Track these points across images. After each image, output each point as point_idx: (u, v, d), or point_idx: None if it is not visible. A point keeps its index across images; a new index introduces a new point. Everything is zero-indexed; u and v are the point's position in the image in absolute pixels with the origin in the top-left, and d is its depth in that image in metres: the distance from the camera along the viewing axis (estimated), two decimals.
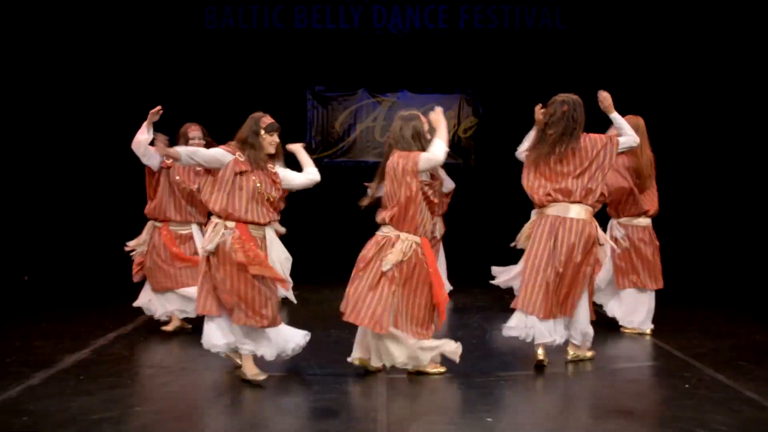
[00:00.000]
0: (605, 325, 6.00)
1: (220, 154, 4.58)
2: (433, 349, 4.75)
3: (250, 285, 4.47)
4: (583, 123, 4.87)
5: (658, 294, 6.09)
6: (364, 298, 4.55)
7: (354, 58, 10.49)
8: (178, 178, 5.89)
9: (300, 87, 10.74)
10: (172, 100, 9.67)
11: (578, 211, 4.85)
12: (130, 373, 4.80)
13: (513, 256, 6.13)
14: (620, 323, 6.15)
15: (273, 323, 4.56)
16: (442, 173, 7.38)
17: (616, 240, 5.91)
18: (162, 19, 9.90)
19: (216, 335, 4.59)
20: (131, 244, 6.09)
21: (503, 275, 5.86)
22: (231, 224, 4.53)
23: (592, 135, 4.92)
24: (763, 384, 4.58)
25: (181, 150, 4.62)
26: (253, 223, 4.58)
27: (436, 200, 4.76)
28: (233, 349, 4.68)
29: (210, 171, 4.63)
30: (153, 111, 5.56)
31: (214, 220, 4.61)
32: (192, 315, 5.82)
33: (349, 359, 4.82)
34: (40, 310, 6.80)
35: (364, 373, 4.80)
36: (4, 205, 8.63)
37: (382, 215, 4.72)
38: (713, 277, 8.61)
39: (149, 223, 6.09)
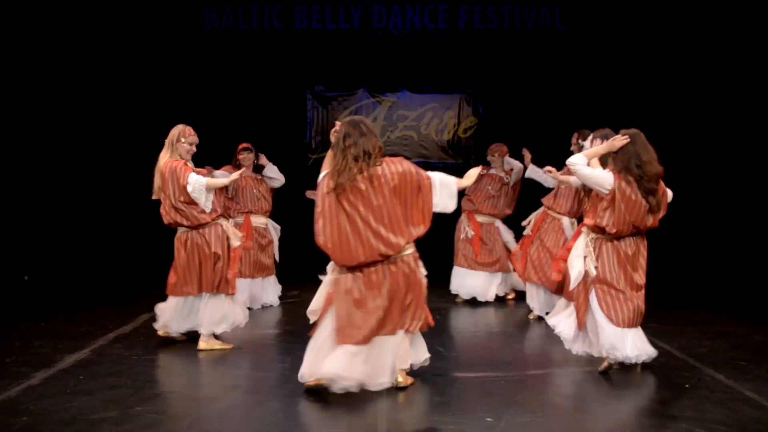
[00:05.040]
0: None
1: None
2: None
3: None
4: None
5: (660, 293, 6.06)
6: None
7: (354, 58, 10.49)
8: None
9: (300, 87, 10.73)
10: (172, 100, 9.72)
11: None
12: (130, 373, 4.79)
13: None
14: None
15: None
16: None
17: None
18: (161, 18, 9.90)
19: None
20: None
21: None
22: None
23: None
24: (763, 384, 4.59)
25: None
26: None
27: None
28: None
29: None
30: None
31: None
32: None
33: None
34: (40, 310, 6.79)
35: None
36: (4, 206, 8.63)
37: None
38: (713, 277, 8.61)
39: None
